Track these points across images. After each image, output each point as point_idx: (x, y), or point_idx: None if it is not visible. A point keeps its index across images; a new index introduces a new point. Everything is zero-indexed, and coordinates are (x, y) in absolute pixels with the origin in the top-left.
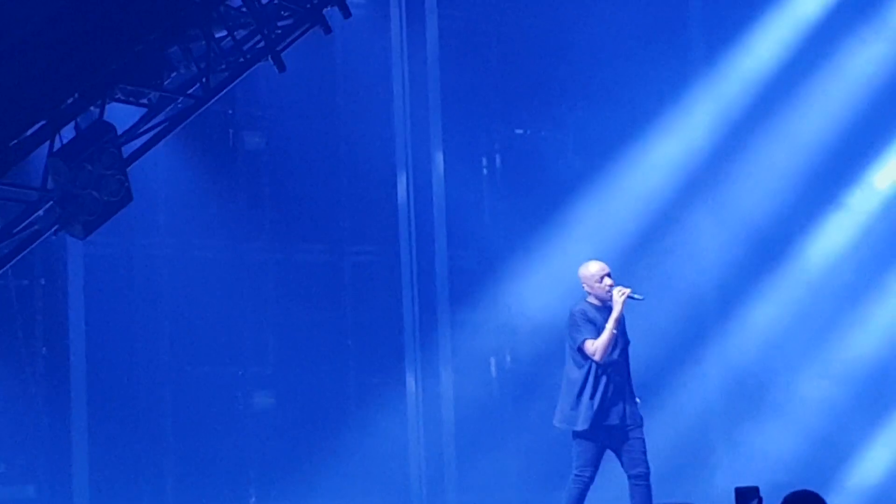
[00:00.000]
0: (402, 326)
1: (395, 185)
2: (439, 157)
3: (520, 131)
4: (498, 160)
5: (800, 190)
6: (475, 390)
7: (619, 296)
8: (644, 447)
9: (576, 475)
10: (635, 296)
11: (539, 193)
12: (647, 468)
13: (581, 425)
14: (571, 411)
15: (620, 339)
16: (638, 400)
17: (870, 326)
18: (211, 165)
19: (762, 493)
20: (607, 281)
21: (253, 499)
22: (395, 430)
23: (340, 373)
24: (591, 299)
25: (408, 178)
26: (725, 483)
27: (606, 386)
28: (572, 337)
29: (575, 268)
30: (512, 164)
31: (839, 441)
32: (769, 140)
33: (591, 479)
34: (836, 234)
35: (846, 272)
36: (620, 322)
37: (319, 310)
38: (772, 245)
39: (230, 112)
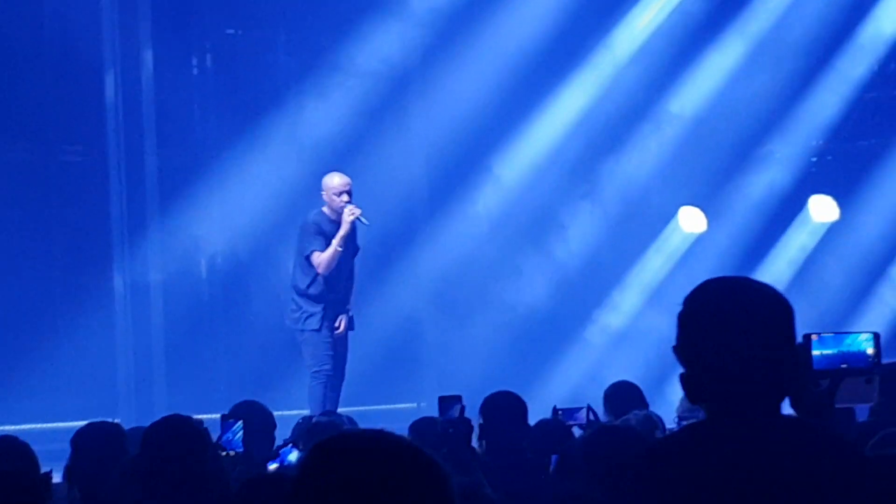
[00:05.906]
0: (109, 226)
1: (102, 85)
2: (149, 56)
3: (231, 31)
4: (209, 59)
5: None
6: (185, 291)
7: (348, 215)
8: (346, 356)
9: (315, 371)
10: (363, 219)
11: (250, 93)
12: (344, 375)
13: (312, 325)
14: (301, 313)
15: (350, 246)
16: (349, 309)
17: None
18: None
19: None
20: (344, 198)
21: None
22: (103, 330)
23: (47, 274)
24: (327, 210)
25: (116, 78)
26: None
27: (330, 292)
28: (302, 245)
29: (281, 171)
30: (223, 63)
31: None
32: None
33: (332, 370)
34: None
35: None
36: (349, 236)
37: (25, 210)
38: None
39: None
